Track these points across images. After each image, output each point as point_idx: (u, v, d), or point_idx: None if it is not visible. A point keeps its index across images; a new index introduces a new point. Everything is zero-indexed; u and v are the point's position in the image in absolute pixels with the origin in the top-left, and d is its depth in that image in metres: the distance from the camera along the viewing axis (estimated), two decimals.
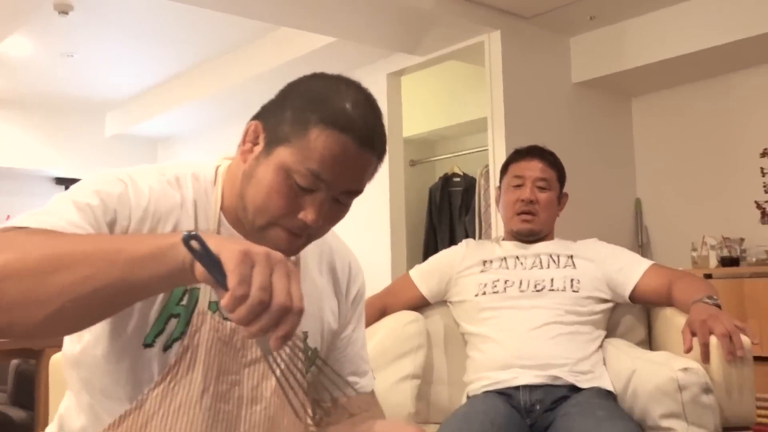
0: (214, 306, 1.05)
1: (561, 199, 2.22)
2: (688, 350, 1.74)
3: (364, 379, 1.28)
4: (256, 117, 1.08)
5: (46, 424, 1.15)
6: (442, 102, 4.81)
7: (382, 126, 1.06)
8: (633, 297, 2.04)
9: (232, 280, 0.76)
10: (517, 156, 2.24)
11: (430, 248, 4.76)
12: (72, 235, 0.89)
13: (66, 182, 6.84)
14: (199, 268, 0.79)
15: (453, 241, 4.52)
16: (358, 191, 1.06)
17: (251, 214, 1.04)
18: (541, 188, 2.14)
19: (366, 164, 1.04)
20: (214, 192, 1.09)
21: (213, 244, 0.79)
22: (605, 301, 2.07)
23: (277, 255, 0.80)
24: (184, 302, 1.03)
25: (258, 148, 1.05)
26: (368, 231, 4.13)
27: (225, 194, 1.10)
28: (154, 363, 1.02)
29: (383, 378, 1.96)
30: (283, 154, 1.01)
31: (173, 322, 1.03)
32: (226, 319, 1.05)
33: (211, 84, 5.19)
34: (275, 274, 0.78)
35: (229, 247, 0.78)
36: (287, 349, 1.11)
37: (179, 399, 1.02)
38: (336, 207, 1.05)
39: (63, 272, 0.79)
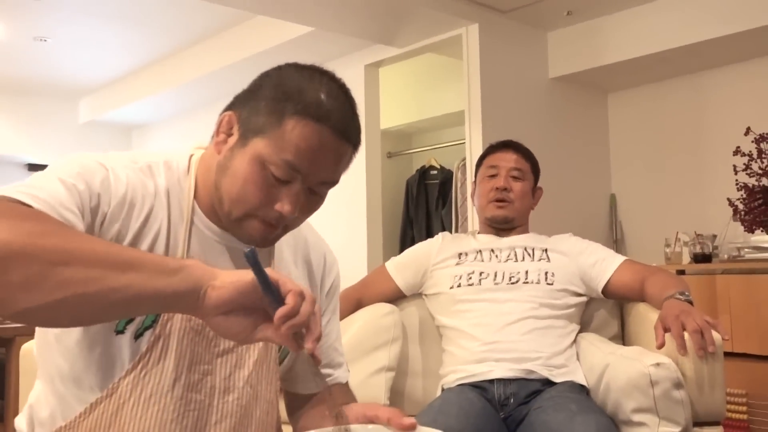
0: None
1: (535, 192, 2.24)
2: (661, 346, 1.76)
3: (338, 371, 1.28)
4: (229, 108, 1.07)
5: (16, 413, 1.13)
6: (419, 94, 4.80)
7: (356, 116, 1.06)
8: (606, 292, 2.06)
9: (291, 298, 0.86)
10: (491, 149, 2.28)
11: (407, 241, 4.77)
12: (86, 235, 0.88)
13: (38, 168, 6.74)
14: (214, 295, 0.84)
15: (429, 234, 4.54)
16: (333, 182, 1.06)
17: (227, 206, 1.03)
18: (515, 178, 2.19)
19: (341, 154, 1.03)
20: (187, 181, 1.08)
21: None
22: (579, 295, 2.08)
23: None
24: None
25: (232, 139, 1.04)
26: (345, 223, 4.12)
27: (198, 184, 1.09)
28: (125, 350, 1.01)
29: (358, 370, 1.96)
30: (259, 145, 1.00)
31: None
32: None
33: (187, 71, 5.13)
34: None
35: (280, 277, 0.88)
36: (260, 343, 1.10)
37: (150, 387, 1.01)
38: (312, 198, 1.05)
39: (73, 267, 0.78)
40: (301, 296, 0.86)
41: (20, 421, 1.14)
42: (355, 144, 1.05)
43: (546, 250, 2.13)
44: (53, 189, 0.93)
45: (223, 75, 4.90)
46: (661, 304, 1.85)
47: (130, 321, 1.01)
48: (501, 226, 2.19)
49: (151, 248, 1.03)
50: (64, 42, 4.97)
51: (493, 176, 2.20)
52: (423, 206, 4.85)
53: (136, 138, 6.82)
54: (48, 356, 1.06)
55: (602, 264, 2.07)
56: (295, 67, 1.06)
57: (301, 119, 0.99)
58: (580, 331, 2.09)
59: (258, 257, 0.83)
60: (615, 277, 2.04)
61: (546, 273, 2.07)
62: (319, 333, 0.88)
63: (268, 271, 0.85)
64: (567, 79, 4.16)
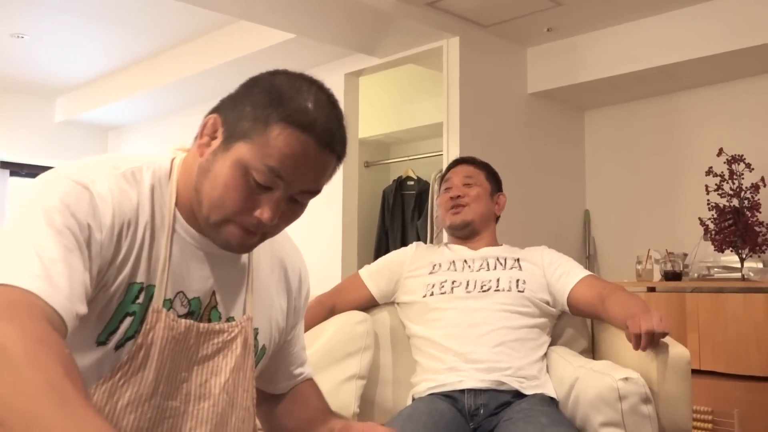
0: (167, 304, 1.03)
1: (497, 198, 2.28)
2: (636, 347, 1.76)
3: (305, 367, 1.32)
4: (214, 110, 1.06)
5: None
6: (398, 105, 4.82)
7: (343, 127, 1.05)
8: (569, 305, 2.08)
9: None
10: (449, 167, 2.38)
11: (382, 250, 4.77)
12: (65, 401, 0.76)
13: (12, 166, 6.66)
14: None
15: (405, 244, 4.50)
16: (315, 191, 1.05)
17: (206, 210, 1.02)
18: (467, 185, 2.26)
19: (325, 165, 1.03)
20: (168, 186, 1.07)
21: None
22: (549, 304, 2.10)
23: None
24: (140, 300, 1.01)
25: (216, 143, 1.03)
26: (320, 230, 4.12)
27: (179, 188, 1.07)
28: (106, 361, 1.00)
29: (329, 377, 1.96)
30: (242, 150, 0.99)
31: (128, 320, 1.00)
32: (180, 317, 1.04)
33: (166, 74, 5.10)
34: None
35: None
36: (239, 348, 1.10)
37: (128, 396, 1.00)
38: (292, 206, 1.05)
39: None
40: None
41: None
42: (339, 155, 1.04)
43: (518, 260, 2.15)
44: (45, 246, 0.88)
45: (202, 79, 4.88)
46: (623, 326, 1.83)
47: (114, 331, 0.99)
48: (463, 233, 2.22)
49: (137, 257, 1.01)
50: (41, 39, 4.92)
51: (447, 189, 2.28)
52: (399, 216, 4.86)
53: (112, 139, 6.76)
54: None
55: (566, 277, 2.09)
56: (285, 74, 1.05)
57: (286, 126, 0.98)
58: (550, 345, 2.10)
59: None
60: (574, 291, 2.05)
61: (517, 280, 2.09)
62: None
63: None
64: (545, 95, 4.20)
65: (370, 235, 4.92)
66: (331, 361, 1.99)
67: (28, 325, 0.79)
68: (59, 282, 0.86)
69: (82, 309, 0.90)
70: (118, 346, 1.00)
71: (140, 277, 1.01)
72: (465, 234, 2.23)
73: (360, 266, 4.30)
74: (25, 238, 0.89)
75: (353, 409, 1.99)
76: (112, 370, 1.00)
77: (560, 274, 2.10)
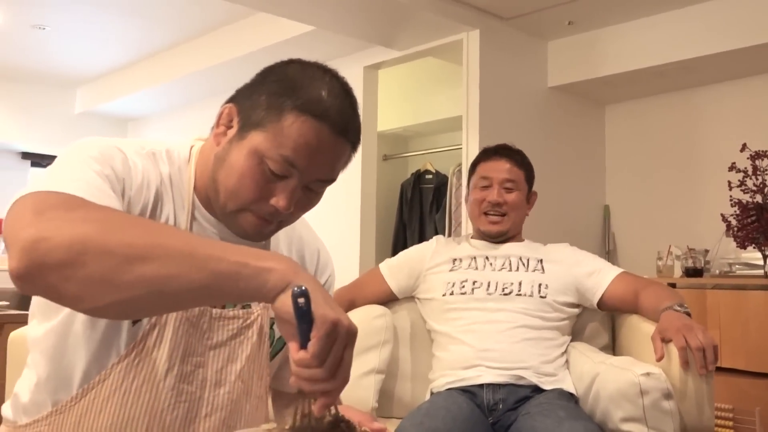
0: None
1: (530, 197, 2.23)
2: (661, 358, 1.76)
3: None
4: (230, 100, 1.07)
5: (1, 401, 1.12)
6: (417, 98, 4.80)
7: (357, 116, 1.05)
8: (600, 303, 2.06)
9: (312, 348, 0.79)
10: (484, 156, 2.24)
11: (400, 244, 4.76)
12: (161, 226, 0.87)
13: (33, 157, 6.71)
14: (280, 304, 0.80)
15: (423, 238, 4.53)
16: (330, 180, 1.05)
17: (222, 198, 1.03)
18: (509, 189, 2.16)
19: (340, 153, 1.03)
20: (187, 172, 1.08)
21: (312, 300, 0.79)
22: (572, 305, 2.08)
23: (355, 329, 0.83)
24: None
25: (231, 132, 1.04)
26: (338, 224, 4.12)
27: (197, 175, 1.08)
28: (123, 334, 1.01)
29: None
30: (257, 139, 1.00)
31: None
32: None
33: (185, 65, 5.12)
34: (347, 351, 0.82)
35: (323, 313, 0.79)
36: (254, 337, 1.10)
37: (143, 376, 1.01)
38: (308, 195, 1.05)
39: (149, 263, 0.78)
40: (327, 345, 0.79)
41: (6, 410, 1.13)
42: (354, 143, 1.05)
43: (541, 261, 2.12)
44: (90, 178, 0.92)
45: (220, 71, 4.89)
46: (657, 316, 1.85)
47: None
48: (495, 240, 2.18)
49: None
50: (62, 31, 4.95)
51: (485, 187, 2.17)
52: (417, 210, 4.84)
53: (131, 130, 6.79)
54: (48, 337, 1.04)
55: (598, 275, 2.07)
56: (298, 63, 1.05)
57: (300, 115, 0.98)
58: (571, 341, 2.09)
59: (306, 295, 0.79)
60: (610, 289, 2.04)
61: (540, 285, 2.06)
62: (333, 402, 0.83)
63: (317, 299, 0.80)
64: (565, 89, 4.17)
65: (388, 228, 4.91)
66: None
67: (73, 200, 0.85)
68: (100, 197, 0.90)
69: (115, 203, 0.93)
70: (135, 320, 1.01)
71: None
72: (498, 240, 2.18)
73: (378, 260, 4.30)
74: (65, 171, 0.92)
75: (372, 404, 1.99)
76: (128, 347, 1.01)
77: (590, 272, 2.08)
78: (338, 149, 1.02)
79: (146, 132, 6.59)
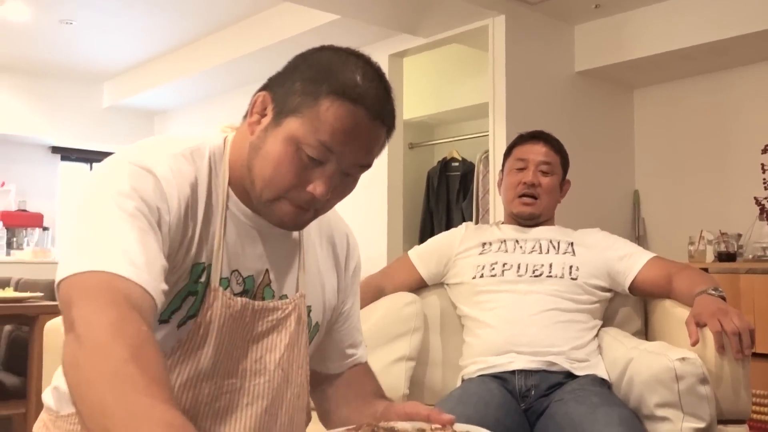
0: (225, 282, 1.04)
1: (563, 185, 2.21)
2: (695, 342, 1.73)
3: (359, 349, 1.29)
4: (263, 88, 1.06)
5: (38, 390, 1.14)
6: (442, 85, 4.78)
7: (392, 99, 1.05)
8: (632, 288, 2.04)
9: None
10: (520, 140, 2.22)
11: (426, 232, 4.75)
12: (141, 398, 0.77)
13: (62, 151, 6.80)
14: None
15: (450, 226, 4.52)
16: (367, 165, 1.04)
17: (259, 187, 1.02)
18: (544, 172, 2.13)
19: (376, 137, 1.02)
20: (222, 165, 1.07)
21: None
22: (604, 289, 2.06)
23: None
24: (202, 279, 1.02)
25: (266, 120, 1.03)
26: (366, 213, 4.12)
27: (231, 166, 1.08)
28: (168, 339, 1.01)
29: (378, 359, 1.95)
30: (293, 126, 0.99)
31: (190, 299, 1.01)
32: (235, 295, 1.05)
33: (211, 57, 5.14)
34: None
35: None
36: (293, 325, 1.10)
37: (187, 373, 1.01)
38: (344, 180, 1.04)
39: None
40: None
41: (47, 399, 1.14)
42: (389, 127, 1.04)
43: (572, 244, 2.10)
44: (127, 234, 0.90)
45: (246, 62, 4.90)
46: (691, 300, 1.82)
47: (176, 310, 1.01)
48: (527, 222, 2.16)
49: (200, 237, 1.02)
50: (89, 25, 4.99)
51: (521, 169, 2.14)
52: (444, 198, 4.83)
53: (158, 123, 6.85)
54: None
55: (630, 259, 2.04)
56: (331, 48, 1.05)
57: (336, 99, 0.98)
58: (602, 326, 2.07)
59: None
60: (642, 273, 2.01)
61: (570, 267, 2.04)
62: None
63: None
64: (593, 74, 4.12)
65: (415, 216, 4.90)
66: (380, 342, 1.99)
67: (103, 311, 0.82)
68: (139, 261, 0.88)
69: (164, 285, 0.92)
70: (180, 324, 1.01)
71: (203, 257, 1.02)
72: (529, 224, 2.16)
73: (406, 248, 4.30)
74: (100, 224, 0.91)
75: (403, 391, 1.98)
76: (173, 348, 1.01)
77: (621, 256, 2.05)
78: (375, 133, 1.01)
79: (173, 124, 6.64)
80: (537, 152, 2.15)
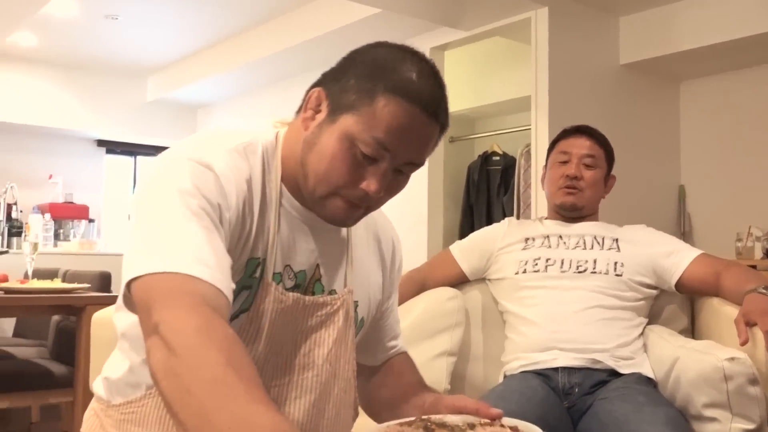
0: (277, 277, 1.05)
1: (608, 180, 2.17)
2: (745, 342, 1.69)
3: (398, 340, 1.32)
4: (317, 84, 1.06)
5: (85, 379, 1.16)
6: (483, 79, 4.74)
7: (446, 97, 1.04)
8: (679, 285, 2.00)
9: None
10: (564, 134, 2.21)
11: (467, 226, 4.73)
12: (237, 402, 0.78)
13: (108, 144, 6.92)
14: None
15: (490, 220, 4.49)
16: (420, 163, 1.04)
17: (312, 183, 1.03)
18: (588, 165, 2.11)
19: (430, 135, 1.02)
20: (275, 160, 1.08)
21: None
22: (649, 287, 2.03)
23: None
24: (256, 274, 1.03)
25: (320, 116, 1.03)
26: (405, 207, 4.10)
27: (284, 161, 1.08)
28: None
29: (419, 353, 1.94)
30: (348, 122, 0.99)
31: (244, 293, 1.02)
32: (287, 290, 1.06)
33: (253, 51, 5.18)
34: None
35: None
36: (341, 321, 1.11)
37: None
38: (397, 178, 1.04)
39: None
40: None
41: (98, 388, 1.16)
42: (443, 125, 1.03)
43: (617, 240, 2.07)
44: (193, 233, 0.91)
45: (288, 55, 4.93)
46: (740, 299, 1.79)
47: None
48: (569, 214, 2.14)
49: (256, 233, 1.03)
50: (134, 20, 5.07)
51: (564, 162, 2.12)
52: (484, 192, 4.80)
53: (201, 117, 6.93)
54: (139, 332, 1.06)
55: (677, 256, 2.01)
56: (386, 45, 1.05)
57: (392, 97, 0.97)
58: (648, 324, 2.03)
59: None
60: (689, 270, 1.98)
61: (615, 263, 2.01)
62: None
63: None
64: (638, 66, 4.05)
65: (455, 211, 4.88)
66: (421, 337, 1.99)
67: (187, 315, 0.83)
68: (210, 261, 0.89)
69: (233, 284, 0.93)
70: (233, 317, 1.02)
71: (259, 252, 1.03)
72: (571, 215, 2.14)
73: (446, 242, 4.29)
74: (167, 223, 0.92)
75: (444, 386, 1.98)
76: None
77: (669, 253, 2.02)
78: (429, 131, 1.01)
79: (215, 118, 6.71)
80: (580, 146, 2.13)
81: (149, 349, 0.84)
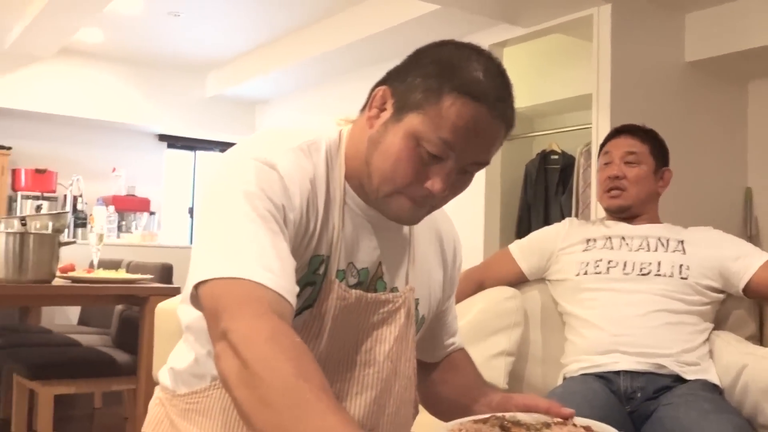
0: (341, 274, 1.06)
1: (663, 174, 2.12)
2: None
3: (456, 337, 1.32)
4: (382, 82, 1.06)
5: (148, 368, 1.18)
6: (543, 76, 4.68)
7: (512, 97, 1.03)
8: (747, 289, 1.94)
9: None
10: (609, 136, 2.19)
11: (524, 225, 4.68)
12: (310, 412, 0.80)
13: (168, 139, 7.07)
14: None
15: (547, 220, 4.44)
16: (485, 162, 1.03)
17: (376, 182, 1.02)
18: (630, 163, 2.07)
19: (496, 135, 1.01)
20: (339, 158, 1.08)
21: None
22: (716, 290, 1.97)
23: None
24: (320, 271, 1.04)
25: (386, 114, 1.03)
26: (462, 206, 4.05)
27: (347, 160, 1.08)
28: None
29: (477, 353, 1.93)
30: (414, 121, 0.99)
31: (308, 290, 1.03)
32: (350, 287, 1.06)
33: (311, 48, 5.22)
34: None
35: None
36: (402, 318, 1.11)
37: None
38: (462, 177, 1.03)
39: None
40: None
41: (163, 378, 1.18)
42: (509, 124, 1.02)
43: (682, 242, 2.02)
44: (260, 238, 0.92)
45: (346, 52, 4.95)
46: None
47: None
48: (620, 216, 2.10)
49: (320, 231, 1.03)
50: (195, 17, 5.16)
51: (607, 164, 2.11)
52: (542, 192, 4.74)
53: (258, 113, 7.01)
54: (203, 325, 1.07)
55: (745, 259, 1.95)
56: (453, 44, 1.04)
57: (459, 97, 0.97)
58: (713, 329, 1.98)
59: None
60: (758, 274, 1.91)
61: (680, 266, 1.96)
62: None
63: None
64: (704, 64, 3.95)
65: (512, 210, 4.84)
66: (479, 336, 1.97)
67: (256, 324, 0.85)
68: (275, 267, 0.90)
69: (297, 288, 0.94)
70: (296, 314, 1.02)
71: (323, 250, 1.04)
72: (622, 217, 2.11)
73: (502, 241, 4.25)
74: (233, 227, 0.93)
75: (502, 386, 1.96)
76: None
77: (736, 256, 1.96)
78: (495, 131, 1.00)
79: (273, 114, 6.78)
80: (621, 145, 2.11)
81: (218, 354, 0.86)
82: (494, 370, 1.97)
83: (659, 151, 2.12)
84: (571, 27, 3.95)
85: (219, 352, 0.86)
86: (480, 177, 4.24)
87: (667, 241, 2.02)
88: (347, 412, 0.80)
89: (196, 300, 0.94)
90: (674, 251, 2.00)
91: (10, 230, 2.66)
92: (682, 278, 1.94)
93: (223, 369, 0.85)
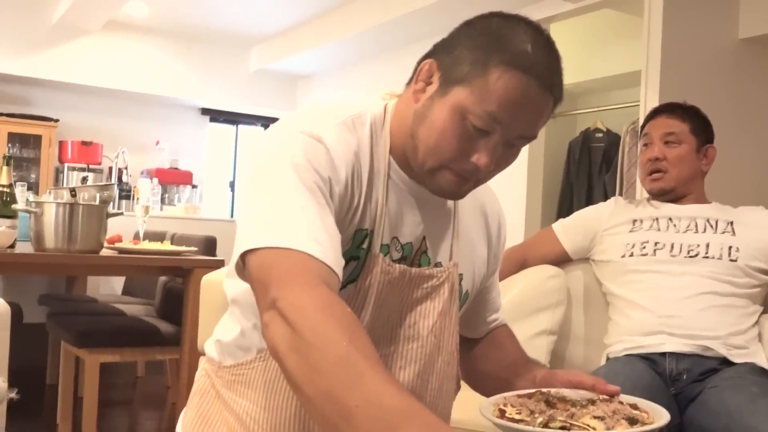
0: (385, 249, 1.05)
1: (704, 152, 2.06)
2: None
3: (499, 313, 1.32)
4: (429, 55, 1.05)
5: (192, 338, 1.20)
6: (589, 53, 4.59)
7: (561, 69, 1.01)
8: None
9: None
10: (648, 116, 2.14)
11: (566, 204, 4.63)
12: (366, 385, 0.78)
13: (211, 113, 7.13)
14: None
15: (590, 199, 4.38)
16: (532, 136, 1.02)
17: (422, 156, 1.02)
18: (670, 143, 2.03)
19: (543, 108, 0.99)
20: (384, 133, 1.07)
21: None
22: (766, 273, 1.93)
23: None
24: (364, 245, 1.04)
25: (432, 88, 1.01)
26: (504, 184, 4.01)
27: (392, 134, 1.07)
28: None
29: (519, 331, 1.89)
30: (461, 95, 0.97)
31: (352, 264, 1.03)
32: (394, 261, 1.06)
33: (355, 23, 5.19)
34: None
35: None
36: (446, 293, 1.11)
37: None
38: (508, 151, 1.02)
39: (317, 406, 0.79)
40: None
41: (209, 349, 1.19)
42: (557, 98, 1.00)
43: (731, 223, 1.97)
44: (308, 209, 0.92)
45: (390, 27, 4.91)
46: None
47: None
48: (663, 198, 2.06)
49: (364, 205, 1.03)
50: None
51: (646, 145, 2.06)
52: (585, 170, 4.68)
53: (300, 88, 7.02)
54: (250, 299, 1.06)
55: None
56: (500, 16, 1.01)
57: (507, 69, 0.95)
58: (763, 313, 1.94)
59: None
60: None
61: (730, 248, 1.92)
62: None
63: None
64: (759, 41, 3.82)
65: (554, 188, 4.78)
66: (522, 314, 1.96)
67: (307, 294, 0.85)
68: (323, 239, 0.90)
69: (343, 261, 0.94)
70: (341, 288, 1.02)
71: (367, 224, 1.04)
72: (666, 199, 2.06)
73: (544, 220, 4.21)
74: (283, 198, 0.93)
75: (544, 365, 1.95)
76: None
77: None
78: (543, 104, 0.98)
79: (315, 89, 6.78)
80: (659, 125, 2.05)
81: (267, 323, 0.86)
82: (536, 349, 1.96)
83: (701, 129, 2.06)
84: (621, 2, 3.86)
85: (268, 320, 0.86)
86: (523, 155, 4.13)
87: (716, 222, 1.98)
88: (400, 383, 0.80)
89: (242, 270, 0.94)
90: (723, 232, 1.95)
91: (60, 200, 2.71)
92: (731, 260, 1.90)
93: (272, 337, 0.85)
